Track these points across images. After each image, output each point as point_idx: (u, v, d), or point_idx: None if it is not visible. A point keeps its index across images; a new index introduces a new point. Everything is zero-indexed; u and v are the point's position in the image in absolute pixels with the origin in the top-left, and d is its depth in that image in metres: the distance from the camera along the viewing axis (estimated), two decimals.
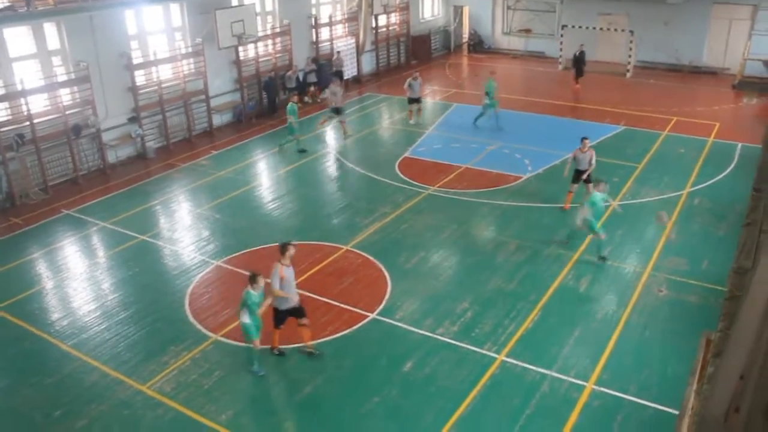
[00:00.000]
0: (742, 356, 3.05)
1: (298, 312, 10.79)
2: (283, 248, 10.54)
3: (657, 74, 31.07)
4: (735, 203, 16.51)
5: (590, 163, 16.03)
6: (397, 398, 10.16)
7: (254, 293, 10.32)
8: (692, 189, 17.73)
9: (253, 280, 10.28)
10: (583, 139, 16.13)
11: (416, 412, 9.86)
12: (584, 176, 16.10)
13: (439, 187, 18.23)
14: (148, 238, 15.71)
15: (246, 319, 10.36)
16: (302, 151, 21.38)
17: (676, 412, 7.55)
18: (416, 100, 24.07)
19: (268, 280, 10.43)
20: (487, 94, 22.92)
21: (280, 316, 10.78)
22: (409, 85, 23.59)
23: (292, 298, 10.59)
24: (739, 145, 20.90)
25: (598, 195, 13.73)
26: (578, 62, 28.74)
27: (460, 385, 10.36)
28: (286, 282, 10.39)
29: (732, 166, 19.30)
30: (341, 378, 10.71)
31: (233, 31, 22.68)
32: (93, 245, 15.71)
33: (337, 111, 23.13)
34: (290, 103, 21.00)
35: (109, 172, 20.07)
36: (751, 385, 2.31)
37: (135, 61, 20.71)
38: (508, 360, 10.94)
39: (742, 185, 17.13)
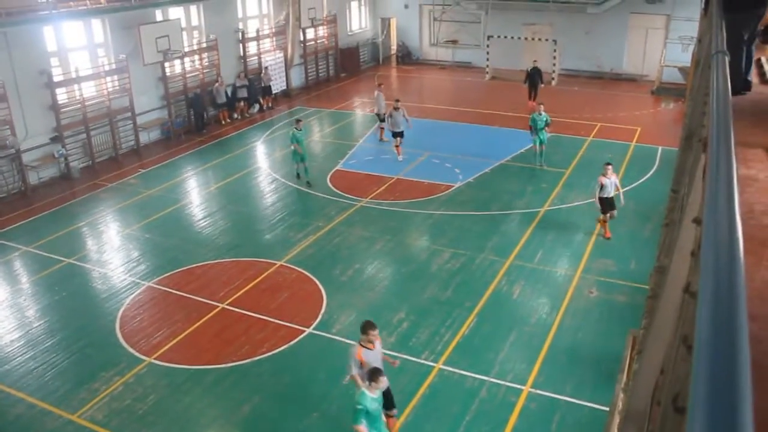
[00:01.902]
0: (660, 351, 3.16)
1: (386, 401, 8.81)
2: (363, 328, 8.79)
3: (580, 82, 32.03)
4: (658, 204, 17.07)
5: (616, 188, 15.52)
6: (337, 412, 10.10)
7: (370, 395, 8.06)
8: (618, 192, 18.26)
9: (372, 377, 8.05)
10: (606, 165, 15.36)
11: None
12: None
13: (371, 198, 18.29)
14: (74, 261, 15.21)
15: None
16: (307, 183, 19.48)
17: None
18: (400, 134, 21.02)
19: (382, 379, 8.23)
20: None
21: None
22: (390, 116, 21.06)
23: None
24: (660, 148, 21.71)
25: None
26: (532, 78, 27.29)
27: (399, 396, 10.33)
28: (367, 367, 8.53)
29: (654, 168, 20.03)
30: (280, 395, 10.58)
31: (158, 47, 22.29)
32: (15, 271, 15.10)
33: (381, 118, 23.29)
34: (293, 130, 19.24)
35: (31, 194, 19.36)
36: (668, 378, 2.39)
37: (56, 79, 20.09)
38: (446, 368, 11.02)
39: (664, 187, 17.72)
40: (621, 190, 15.53)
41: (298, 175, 19.80)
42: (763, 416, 0.96)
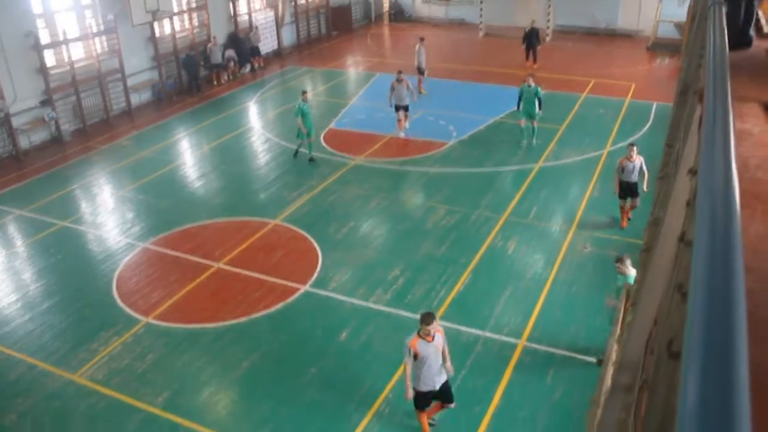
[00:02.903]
0: (654, 303, 3.19)
1: (443, 396, 8.58)
2: (421, 318, 8.15)
3: (575, 38, 31.73)
4: (653, 160, 17.03)
5: (642, 172, 13.61)
6: (334, 368, 10.23)
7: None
8: (612, 148, 18.28)
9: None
10: (630, 146, 13.76)
11: (354, 380, 9.95)
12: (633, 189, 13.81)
13: (365, 157, 18.24)
14: (69, 224, 15.19)
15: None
16: (311, 160, 18.17)
17: None
18: (404, 108, 19.43)
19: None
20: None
21: (420, 398, 8.48)
22: (392, 89, 19.23)
23: (428, 382, 8.29)
24: (655, 104, 21.62)
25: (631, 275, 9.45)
26: (529, 39, 26.53)
27: (395, 352, 10.43)
28: (421, 360, 8.11)
29: (648, 124, 19.98)
30: (277, 352, 10.69)
31: (147, 7, 21.92)
32: (10, 235, 15.08)
33: (421, 71, 23.19)
34: (299, 102, 17.77)
35: (23, 158, 19.21)
36: (662, 327, 2.42)
37: (43, 41, 19.76)
38: (442, 323, 11.08)
39: (658, 142, 17.72)
40: (647, 175, 13.42)
41: (296, 154, 18.32)
42: (752, 367, 0.98)
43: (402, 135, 19.54)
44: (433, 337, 8.08)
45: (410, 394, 8.25)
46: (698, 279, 1.14)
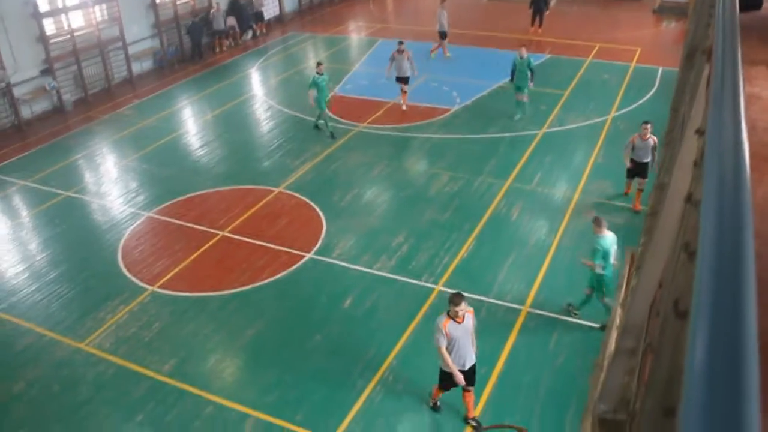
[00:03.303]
0: (659, 265, 3.17)
1: (467, 378, 8.34)
2: (450, 298, 7.89)
3: (580, 1, 31.28)
4: (658, 125, 16.94)
5: (653, 153, 12.74)
6: (339, 335, 10.29)
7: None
8: (617, 113, 18.14)
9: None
10: (645, 124, 12.84)
11: (359, 346, 10.02)
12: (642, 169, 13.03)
13: (368, 123, 18.14)
14: (73, 194, 15.19)
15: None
16: (316, 128, 17.84)
17: None
18: (404, 80, 18.70)
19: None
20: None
21: (446, 378, 8.37)
22: (393, 60, 18.50)
23: (457, 362, 8.12)
24: (660, 69, 21.39)
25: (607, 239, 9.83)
26: (537, 3, 25.66)
27: (400, 318, 10.54)
28: (451, 342, 7.95)
29: (654, 89, 19.78)
30: (283, 319, 10.75)
31: None
32: (14, 205, 15.10)
33: (443, 35, 23.15)
34: (314, 74, 17.06)
35: (25, 128, 19.16)
36: (668, 288, 2.41)
37: (42, 9, 19.57)
38: (446, 290, 11.15)
39: (663, 108, 17.53)
40: (657, 156, 12.28)
41: (316, 126, 17.79)
42: (758, 331, 0.96)
43: (404, 107, 18.90)
44: (464, 318, 7.89)
45: (461, 378, 8.08)
46: (706, 234, 1.12)
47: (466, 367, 8.20)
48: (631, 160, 13.04)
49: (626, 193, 13.85)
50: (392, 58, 18.43)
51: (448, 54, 23.41)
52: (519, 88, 17.55)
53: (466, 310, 7.90)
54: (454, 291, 8.02)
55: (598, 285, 9.91)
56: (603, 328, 9.95)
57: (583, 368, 9.13)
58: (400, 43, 18.66)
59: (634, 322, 3.52)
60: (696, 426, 0.81)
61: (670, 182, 3.37)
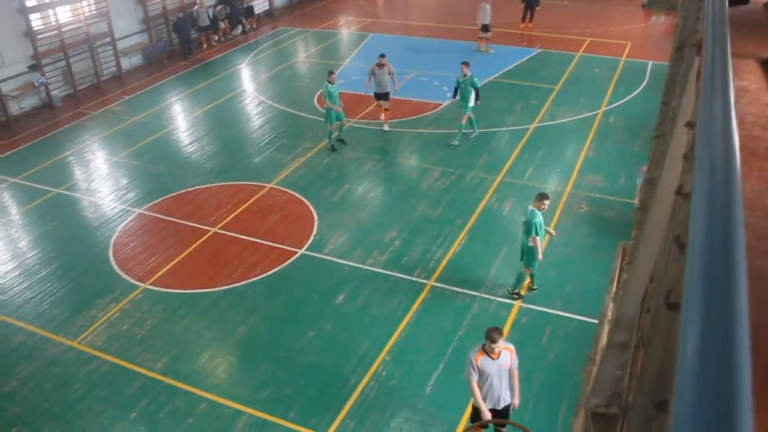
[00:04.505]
0: (650, 259, 3.18)
1: (502, 414, 7.78)
2: (486, 333, 7.34)
3: None
4: (648, 119, 17.02)
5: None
6: (332, 331, 10.29)
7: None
8: (607, 108, 18.19)
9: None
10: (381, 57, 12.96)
11: (352, 342, 10.02)
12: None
13: (359, 118, 18.12)
14: (63, 191, 15.12)
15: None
16: (341, 141, 16.61)
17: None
18: (384, 96, 17.22)
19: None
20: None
21: (475, 415, 7.89)
22: (372, 74, 16.96)
23: (491, 399, 7.59)
24: (650, 63, 21.45)
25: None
26: (529, 0, 25.82)
27: (392, 313, 10.55)
28: (482, 377, 7.45)
29: (644, 83, 19.85)
30: (275, 316, 10.74)
31: None
32: (4, 203, 15.00)
33: (486, 29, 23.11)
34: (324, 84, 15.86)
35: (14, 124, 19.03)
36: (659, 282, 2.42)
37: (28, 4, 19.43)
38: (438, 285, 11.18)
39: (654, 102, 17.64)
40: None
41: (332, 147, 16.31)
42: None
43: (386, 128, 17.33)
44: (499, 355, 7.36)
45: (487, 414, 7.48)
46: (697, 226, 1.12)
47: (500, 407, 7.64)
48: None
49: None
50: (371, 73, 16.86)
51: (491, 51, 23.36)
52: (462, 108, 16.03)
53: (503, 347, 7.38)
54: (491, 327, 7.43)
55: (529, 257, 10.46)
56: (518, 295, 10.81)
57: (576, 362, 9.16)
58: (381, 56, 16.91)
59: (626, 316, 3.53)
60: (688, 419, 0.81)
61: (660, 175, 3.38)
